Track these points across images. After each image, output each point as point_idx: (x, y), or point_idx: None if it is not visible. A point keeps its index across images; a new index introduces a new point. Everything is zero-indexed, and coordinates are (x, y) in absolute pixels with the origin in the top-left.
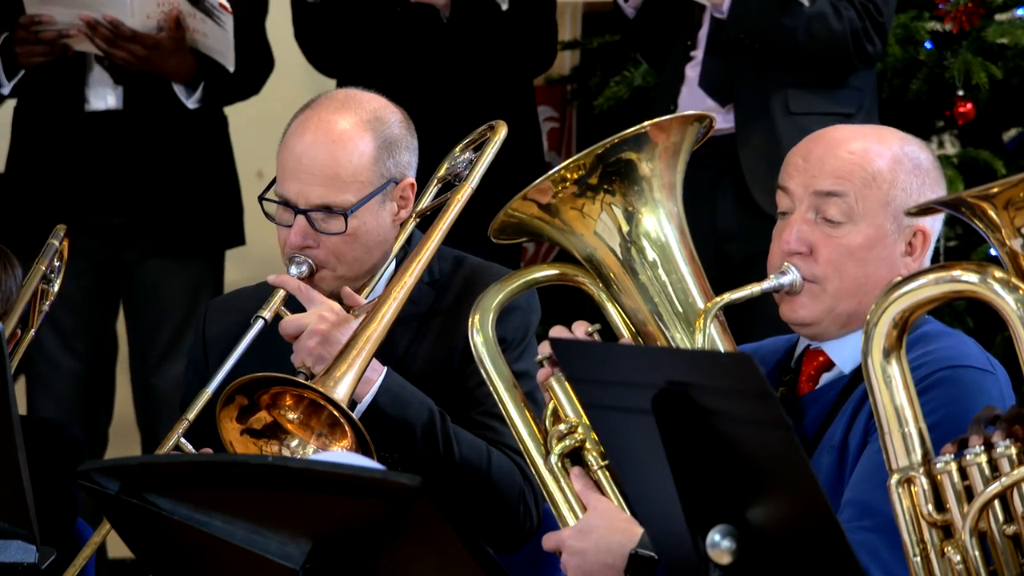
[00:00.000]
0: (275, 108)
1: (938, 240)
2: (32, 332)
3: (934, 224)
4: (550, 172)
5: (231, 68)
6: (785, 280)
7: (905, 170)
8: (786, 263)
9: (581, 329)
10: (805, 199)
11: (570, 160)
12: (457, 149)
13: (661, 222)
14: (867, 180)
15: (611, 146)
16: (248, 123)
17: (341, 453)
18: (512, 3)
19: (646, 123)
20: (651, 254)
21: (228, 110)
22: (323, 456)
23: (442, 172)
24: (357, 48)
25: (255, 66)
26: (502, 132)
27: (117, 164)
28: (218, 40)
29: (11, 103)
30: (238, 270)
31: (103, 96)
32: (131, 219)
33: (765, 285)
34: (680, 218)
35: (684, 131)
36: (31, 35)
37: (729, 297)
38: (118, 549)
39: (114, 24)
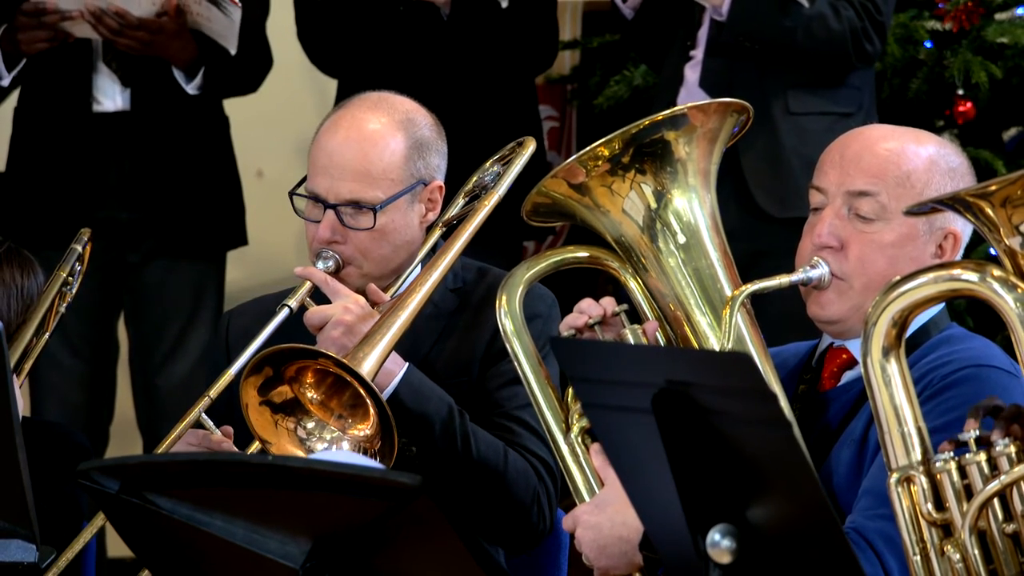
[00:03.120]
0: (275, 107)
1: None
2: (47, 336)
3: (965, 227)
4: (583, 151)
5: (233, 51)
6: (814, 274)
7: (940, 171)
8: (816, 257)
9: (610, 304)
10: (839, 196)
11: (605, 139)
12: (488, 163)
13: (693, 207)
14: (901, 179)
15: (649, 125)
16: (248, 122)
17: (341, 453)
18: (512, 1)
19: (686, 104)
20: (681, 237)
21: (228, 110)
22: (323, 456)
23: (470, 186)
24: (359, 46)
25: (254, 63)
26: (530, 148)
27: (122, 165)
28: (221, 25)
29: (12, 103)
30: (239, 270)
31: (111, 97)
32: (137, 216)
33: (794, 277)
34: (713, 207)
35: (723, 118)
36: (33, 20)
37: (757, 285)
38: (118, 549)
39: (120, 14)
